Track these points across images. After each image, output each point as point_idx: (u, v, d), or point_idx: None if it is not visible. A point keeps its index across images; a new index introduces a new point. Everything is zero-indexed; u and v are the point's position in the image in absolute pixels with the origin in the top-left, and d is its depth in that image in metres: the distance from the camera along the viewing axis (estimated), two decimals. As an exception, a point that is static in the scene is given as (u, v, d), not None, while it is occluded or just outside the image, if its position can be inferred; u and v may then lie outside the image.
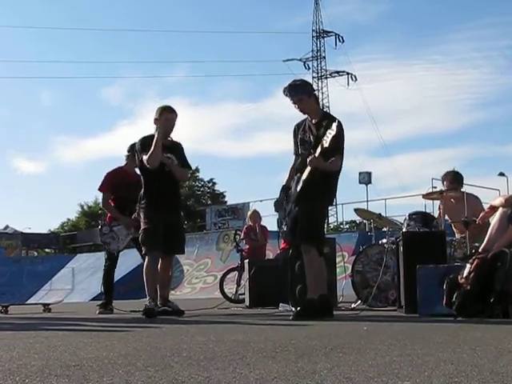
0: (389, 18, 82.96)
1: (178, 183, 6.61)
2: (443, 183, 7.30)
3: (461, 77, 77.47)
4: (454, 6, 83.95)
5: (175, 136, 6.49)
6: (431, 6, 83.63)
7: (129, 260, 8.37)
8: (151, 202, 6.28)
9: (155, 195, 6.29)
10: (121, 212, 7.74)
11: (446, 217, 7.25)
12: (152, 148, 6.13)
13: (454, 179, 7.18)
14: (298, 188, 5.40)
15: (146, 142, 6.27)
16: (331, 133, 5.04)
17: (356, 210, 8.74)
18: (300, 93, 5.47)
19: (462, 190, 7.21)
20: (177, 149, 6.47)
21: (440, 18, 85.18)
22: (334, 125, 5.07)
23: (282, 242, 7.72)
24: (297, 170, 5.55)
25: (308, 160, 5.27)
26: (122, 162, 7.98)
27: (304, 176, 5.33)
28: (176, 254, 6.46)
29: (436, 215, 7.19)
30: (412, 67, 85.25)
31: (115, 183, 7.80)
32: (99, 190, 8.06)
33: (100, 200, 8.24)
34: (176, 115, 6.37)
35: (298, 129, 5.61)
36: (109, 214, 8.02)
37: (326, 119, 5.43)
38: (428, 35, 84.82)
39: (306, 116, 5.59)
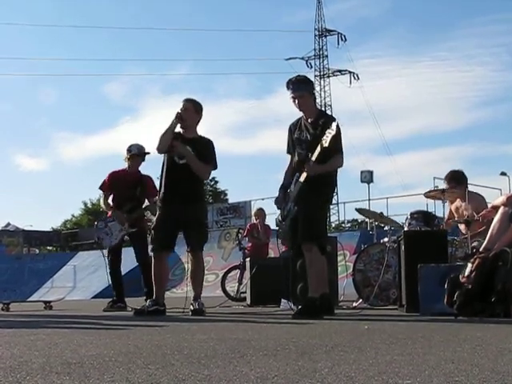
0: (393, 14, 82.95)
1: (194, 177, 6.03)
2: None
3: (466, 74, 77.18)
4: (459, 1, 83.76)
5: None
6: (436, 1, 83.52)
7: (129, 258, 8.35)
8: (161, 200, 6.17)
9: (165, 192, 6.10)
10: (117, 209, 7.85)
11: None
12: (163, 131, 6.01)
13: (452, 178, 7.13)
14: (297, 188, 5.39)
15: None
16: (331, 132, 5.04)
17: (358, 210, 8.74)
18: (303, 89, 5.48)
19: (468, 188, 7.16)
20: (201, 144, 6.11)
21: (445, 14, 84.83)
22: (334, 124, 5.07)
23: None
24: (294, 169, 5.54)
25: (305, 168, 5.27)
26: (124, 161, 7.99)
27: (302, 176, 5.33)
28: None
29: (444, 216, 7.17)
30: (416, 64, 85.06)
31: (113, 182, 7.96)
32: (99, 188, 8.30)
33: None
34: (192, 105, 6.16)
35: (294, 128, 5.60)
36: (108, 212, 8.08)
37: (323, 118, 5.44)
38: (433, 32, 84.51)
39: (300, 115, 5.58)
